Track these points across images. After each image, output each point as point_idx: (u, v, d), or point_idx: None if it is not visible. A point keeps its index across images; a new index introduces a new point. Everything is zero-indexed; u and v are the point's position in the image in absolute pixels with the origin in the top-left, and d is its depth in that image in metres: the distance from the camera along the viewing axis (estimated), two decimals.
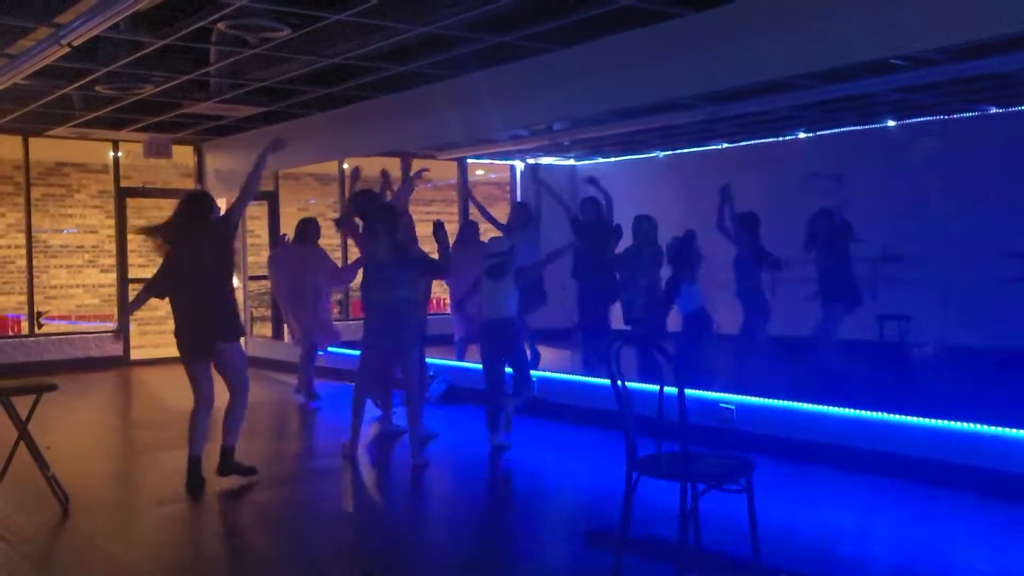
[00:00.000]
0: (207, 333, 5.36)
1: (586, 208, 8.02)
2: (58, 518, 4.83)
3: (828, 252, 7.42)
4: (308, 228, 8.35)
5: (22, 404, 4.92)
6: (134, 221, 12.31)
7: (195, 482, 5.34)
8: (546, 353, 8.83)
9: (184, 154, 12.17)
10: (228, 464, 5.54)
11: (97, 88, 8.32)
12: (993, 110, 8.75)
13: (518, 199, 11.75)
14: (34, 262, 11.31)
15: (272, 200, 11.72)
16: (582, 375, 7.71)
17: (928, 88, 7.34)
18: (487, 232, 8.50)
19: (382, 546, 4.53)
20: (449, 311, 9.08)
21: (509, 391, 6.37)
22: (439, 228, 6.27)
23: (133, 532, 4.83)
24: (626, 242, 8.01)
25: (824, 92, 7.28)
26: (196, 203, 5.49)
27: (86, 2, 5.84)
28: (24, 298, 11.21)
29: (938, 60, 6.15)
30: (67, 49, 6.33)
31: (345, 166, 11.48)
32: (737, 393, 6.25)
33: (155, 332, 12.83)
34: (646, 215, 7.91)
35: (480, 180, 13.47)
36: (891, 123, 9.35)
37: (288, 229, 9.07)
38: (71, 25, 6.02)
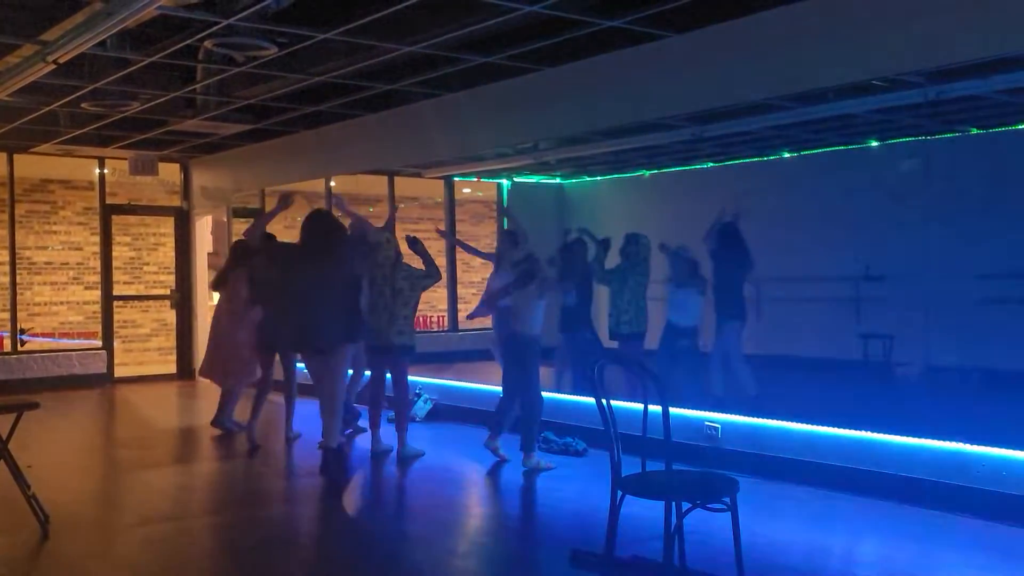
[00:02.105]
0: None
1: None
2: (39, 539, 4.77)
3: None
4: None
5: (3, 422, 4.88)
6: (119, 238, 12.30)
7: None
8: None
9: (170, 171, 12.15)
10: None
11: (83, 105, 8.31)
12: (973, 131, 8.86)
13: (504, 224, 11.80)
14: (18, 279, 11.24)
15: (258, 218, 11.70)
16: (566, 393, 7.72)
17: (908, 109, 7.43)
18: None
19: (366, 565, 4.51)
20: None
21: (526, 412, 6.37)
22: (415, 241, 6.78)
23: (116, 553, 4.78)
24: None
25: (806, 113, 7.36)
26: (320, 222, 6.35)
27: (72, 19, 5.84)
28: (7, 315, 11.13)
29: (917, 82, 6.23)
30: (53, 66, 6.32)
31: (332, 183, 11.49)
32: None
33: (139, 350, 12.76)
34: (636, 233, 7.95)
35: (467, 198, 13.50)
36: (873, 143, 9.45)
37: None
38: (57, 42, 6.02)
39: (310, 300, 6.19)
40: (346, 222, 6.95)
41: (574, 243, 8.04)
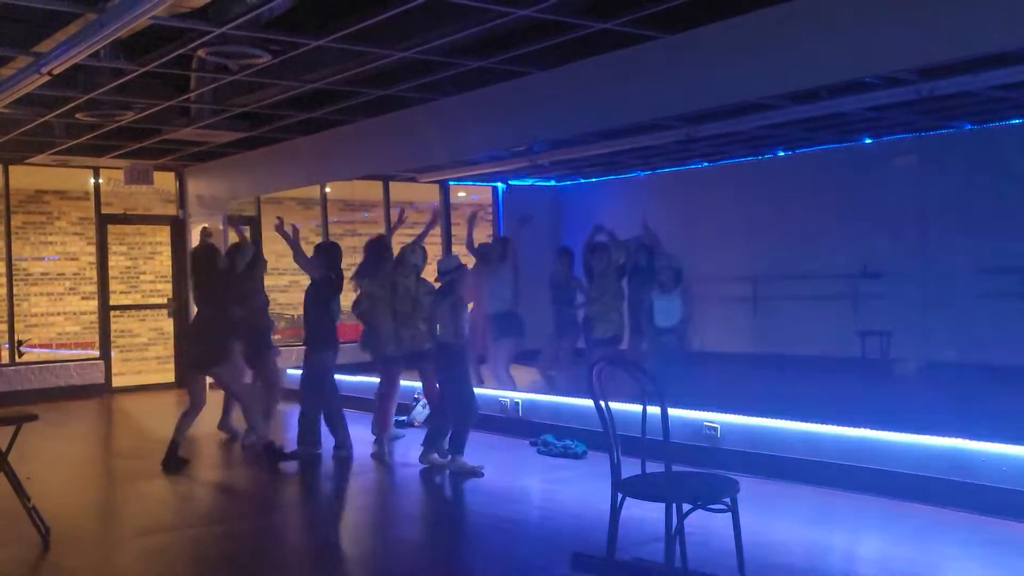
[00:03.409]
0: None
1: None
2: (39, 550, 4.76)
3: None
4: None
5: (2, 434, 4.87)
6: (115, 248, 12.28)
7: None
8: (524, 373, 8.85)
9: (166, 180, 12.13)
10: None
11: (78, 115, 8.30)
12: (967, 127, 8.87)
13: (500, 230, 11.89)
14: (14, 290, 11.22)
15: (254, 224, 11.70)
16: (560, 395, 7.73)
17: (902, 106, 7.44)
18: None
19: (366, 570, 4.50)
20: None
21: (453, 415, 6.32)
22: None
23: (115, 564, 4.77)
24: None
25: (800, 111, 7.38)
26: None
27: (66, 30, 5.84)
28: (4, 327, 11.11)
29: (910, 79, 6.25)
30: (47, 77, 6.31)
31: (328, 190, 11.50)
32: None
33: (137, 359, 12.74)
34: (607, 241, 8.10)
35: (462, 202, 13.50)
36: (867, 140, 9.47)
37: (268, 252, 8.97)
38: (51, 53, 6.01)
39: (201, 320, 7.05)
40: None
41: (597, 246, 8.07)
